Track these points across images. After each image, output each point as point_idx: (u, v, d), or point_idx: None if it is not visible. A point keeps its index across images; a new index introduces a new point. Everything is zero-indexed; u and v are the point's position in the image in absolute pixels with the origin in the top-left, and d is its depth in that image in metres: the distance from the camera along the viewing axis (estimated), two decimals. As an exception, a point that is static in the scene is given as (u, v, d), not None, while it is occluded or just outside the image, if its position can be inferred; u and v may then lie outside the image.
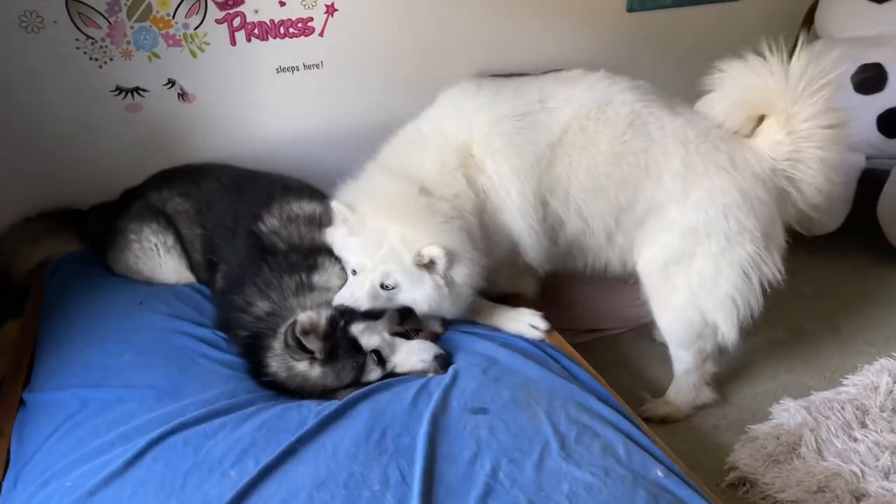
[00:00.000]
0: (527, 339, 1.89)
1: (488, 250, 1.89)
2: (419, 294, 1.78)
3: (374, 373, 1.73)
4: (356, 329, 1.75)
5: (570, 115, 1.93)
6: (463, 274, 1.78)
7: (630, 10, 3.05)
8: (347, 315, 1.76)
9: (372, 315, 1.79)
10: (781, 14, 3.25)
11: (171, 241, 2.21)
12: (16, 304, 2.21)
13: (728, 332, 1.96)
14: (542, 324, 1.92)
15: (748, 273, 1.92)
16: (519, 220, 1.93)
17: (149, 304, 1.99)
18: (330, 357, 1.70)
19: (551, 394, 1.60)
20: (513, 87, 2.06)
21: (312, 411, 1.55)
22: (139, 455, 1.42)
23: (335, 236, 1.88)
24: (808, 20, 3.12)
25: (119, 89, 2.47)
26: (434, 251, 1.72)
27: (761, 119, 1.99)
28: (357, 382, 1.72)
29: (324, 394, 1.71)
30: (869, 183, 2.83)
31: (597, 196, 1.93)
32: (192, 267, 2.22)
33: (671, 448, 1.57)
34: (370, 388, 1.64)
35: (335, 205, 1.81)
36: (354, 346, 1.73)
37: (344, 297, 1.77)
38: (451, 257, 1.74)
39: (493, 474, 1.37)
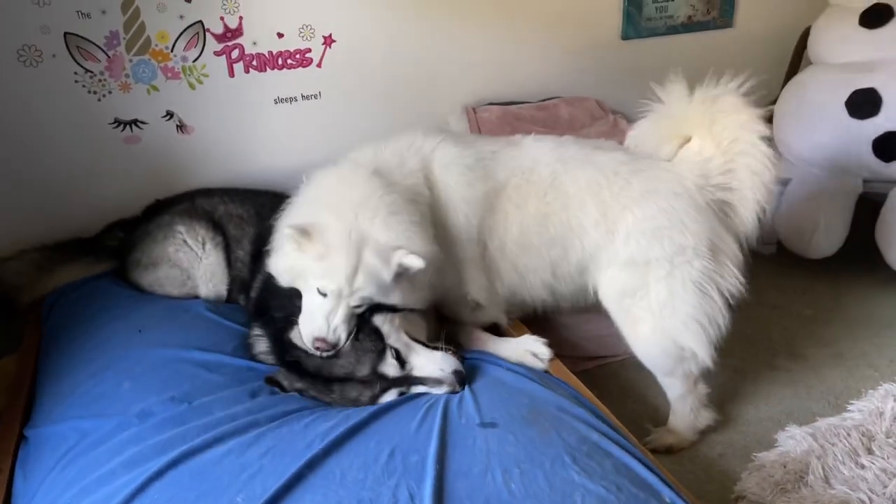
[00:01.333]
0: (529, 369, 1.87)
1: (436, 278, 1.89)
2: (390, 300, 1.76)
3: (391, 367, 1.73)
4: (378, 320, 1.76)
5: (510, 171, 1.98)
6: (429, 271, 1.76)
7: (624, 37, 3.09)
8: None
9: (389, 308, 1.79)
10: (774, 40, 3.29)
11: (219, 238, 2.24)
12: (13, 337, 2.19)
13: (700, 352, 1.95)
14: (544, 352, 1.90)
15: (704, 289, 1.92)
16: (465, 247, 1.95)
17: (149, 332, 1.97)
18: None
19: (560, 413, 1.59)
20: (472, 139, 2.16)
21: (319, 433, 1.53)
22: (144, 486, 1.40)
23: (286, 262, 1.77)
24: (801, 46, 3.15)
25: (118, 122, 2.47)
26: (414, 261, 1.69)
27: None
28: (375, 373, 1.72)
29: (341, 382, 1.72)
30: (866, 207, 2.85)
31: (529, 252, 1.98)
32: (231, 275, 2.24)
33: (677, 477, 1.56)
34: (377, 408, 1.63)
35: (289, 231, 1.70)
36: (376, 332, 1.75)
37: (320, 330, 1.70)
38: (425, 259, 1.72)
39: (506, 485, 1.36)
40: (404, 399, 1.70)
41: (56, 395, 1.79)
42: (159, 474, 1.44)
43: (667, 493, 1.41)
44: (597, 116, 2.88)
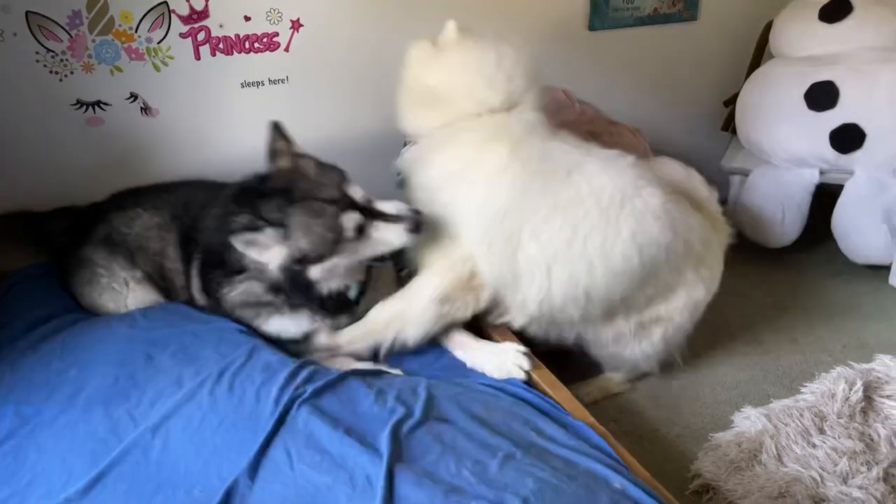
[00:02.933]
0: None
1: None
2: None
3: (357, 191, 1.82)
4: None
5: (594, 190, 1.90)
6: None
7: (591, 28, 3.12)
8: None
9: None
10: (738, 34, 3.35)
11: (138, 271, 2.11)
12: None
13: None
14: (525, 363, 1.87)
15: None
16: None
17: (105, 320, 1.97)
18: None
19: (514, 410, 1.61)
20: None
21: (272, 401, 1.54)
22: (98, 478, 1.39)
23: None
24: (764, 40, 3.21)
25: (80, 103, 2.44)
26: None
27: None
28: (341, 192, 1.79)
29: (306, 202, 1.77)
30: (823, 197, 2.93)
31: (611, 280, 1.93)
32: (166, 286, 2.13)
33: (637, 457, 1.59)
34: (328, 381, 1.64)
35: None
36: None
37: None
38: None
39: (458, 473, 1.38)
40: (357, 377, 1.70)
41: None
42: (113, 464, 1.43)
43: (618, 480, 1.43)
44: (563, 105, 2.90)
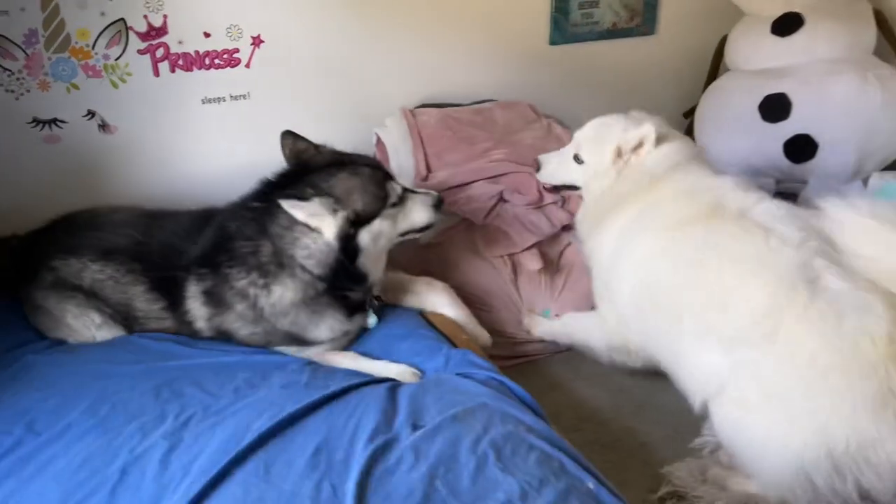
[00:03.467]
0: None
1: None
2: None
3: (396, 187, 1.92)
4: None
5: None
6: None
7: (552, 43, 3.16)
8: None
9: None
10: (694, 48, 3.42)
11: (98, 318, 2.02)
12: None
13: None
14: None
15: None
16: None
17: (76, 350, 1.96)
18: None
19: (489, 409, 1.61)
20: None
21: (247, 429, 1.54)
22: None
23: None
24: (719, 54, 3.29)
25: (36, 121, 2.41)
26: None
27: None
28: (387, 196, 1.88)
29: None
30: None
31: None
32: (131, 318, 2.04)
33: (599, 466, 1.60)
34: (307, 405, 1.63)
35: None
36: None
37: None
38: None
39: (430, 482, 1.38)
40: (337, 395, 1.70)
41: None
42: (93, 493, 1.43)
43: (591, 481, 1.45)
44: (530, 120, 2.93)
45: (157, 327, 2.02)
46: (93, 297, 2.02)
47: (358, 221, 1.83)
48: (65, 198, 2.38)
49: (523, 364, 2.43)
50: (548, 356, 2.50)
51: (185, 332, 2.00)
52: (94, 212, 2.22)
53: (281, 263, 1.86)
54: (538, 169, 2.29)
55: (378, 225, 1.86)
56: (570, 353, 2.49)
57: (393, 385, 1.76)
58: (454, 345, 1.97)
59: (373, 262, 1.92)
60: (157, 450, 1.53)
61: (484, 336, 2.16)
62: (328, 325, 1.92)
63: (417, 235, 2.04)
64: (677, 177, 1.97)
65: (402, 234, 1.98)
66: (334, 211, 1.79)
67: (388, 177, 1.92)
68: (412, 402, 1.66)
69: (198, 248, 1.97)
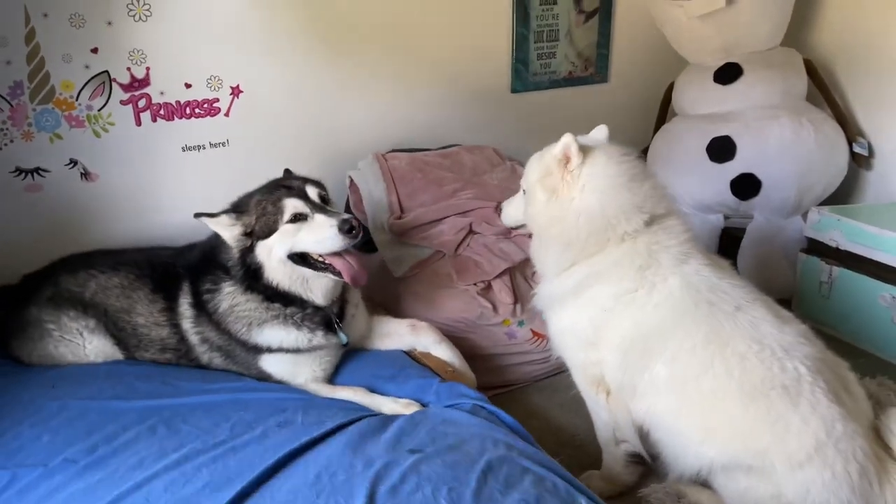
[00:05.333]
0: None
1: None
2: None
3: (291, 205, 1.95)
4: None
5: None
6: None
7: (513, 91, 3.36)
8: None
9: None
10: (644, 94, 3.67)
11: (92, 323, 2.13)
12: None
13: None
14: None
15: None
16: None
17: (62, 387, 1.96)
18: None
19: (482, 437, 1.70)
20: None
21: (251, 464, 1.59)
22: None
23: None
24: (667, 99, 3.54)
25: (18, 170, 2.45)
26: None
27: None
28: (280, 214, 1.94)
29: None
30: (728, 239, 3.22)
31: None
32: (123, 339, 2.16)
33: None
34: (309, 440, 1.70)
35: None
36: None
37: None
38: None
39: (435, 500, 1.46)
40: (336, 428, 1.77)
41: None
42: None
43: (583, 499, 1.55)
44: (495, 163, 3.08)
45: (154, 336, 2.14)
46: (91, 307, 2.14)
47: (258, 235, 1.97)
48: (45, 246, 2.41)
49: (502, 394, 2.53)
50: (525, 385, 2.62)
51: (176, 342, 2.13)
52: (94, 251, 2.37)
53: (227, 271, 2.05)
54: (500, 214, 2.26)
55: (273, 240, 1.95)
56: (544, 383, 2.62)
57: (385, 419, 1.84)
58: (442, 379, 2.07)
59: (288, 278, 1.99)
60: (160, 480, 1.57)
61: (470, 376, 2.26)
62: (274, 334, 2.03)
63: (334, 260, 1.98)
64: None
65: (310, 257, 1.96)
66: (233, 224, 1.99)
67: (296, 195, 1.96)
68: (406, 433, 1.74)
69: (190, 257, 2.19)
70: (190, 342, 2.12)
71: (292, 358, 2.05)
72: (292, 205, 1.94)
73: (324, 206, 1.99)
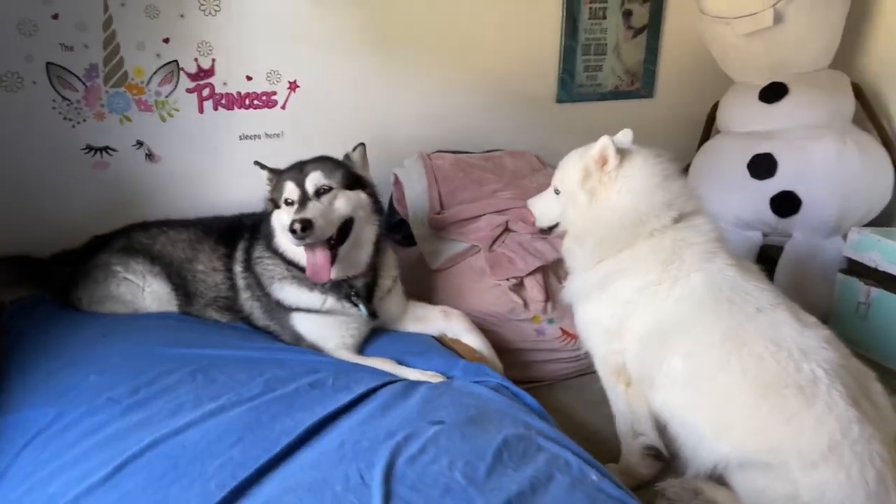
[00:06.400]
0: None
1: None
2: None
3: (287, 188, 2.10)
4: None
5: None
6: None
7: (559, 101, 3.45)
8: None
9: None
10: (689, 111, 3.70)
11: (157, 269, 2.35)
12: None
13: None
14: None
15: None
16: None
17: (112, 336, 2.10)
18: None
19: (501, 413, 1.77)
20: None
21: (285, 429, 1.67)
22: (120, 468, 1.50)
23: None
24: (712, 117, 3.57)
25: (89, 148, 2.63)
26: None
27: None
28: (282, 193, 2.10)
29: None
30: (767, 258, 3.22)
31: None
32: (185, 288, 2.37)
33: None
34: (339, 408, 1.78)
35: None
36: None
37: None
38: None
39: (451, 473, 1.52)
40: (364, 394, 1.85)
41: (22, 386, 1.88)
42: (134, 457, 1.54)
43: (594, 474, 1.61)
44: (536, 168, 3.17)
45: (210, 282, 2.37)
46: (158, 258, 2.37)
47: (275, 203, 2.16)
48: (108, 221, 2.59)
49: (528, 390, 2.57)
50: (552, 383, 2.68)
51: (227, 287, 2.36)
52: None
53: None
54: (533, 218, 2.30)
55: (278, 212, 2.13)
56: (571, 382, 2.67)
57: (409, 385, 1.93)
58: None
59: (290, 249, 2.13)
60: (196, 430, 1.65)
61: (498, 365, 2.33)
62: (291, 291, 2.19)
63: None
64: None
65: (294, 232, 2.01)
66: (268, 185, 2.24)
67: (294, 181, 2.08)
68: (429, 401, 1.82)
69: (257, 215, 2.36)
70: (238, 286, 2.30)
71: (318, 319, 2.17)
72: (289, 189, 2.09)
73: (310, 198, 2.05)
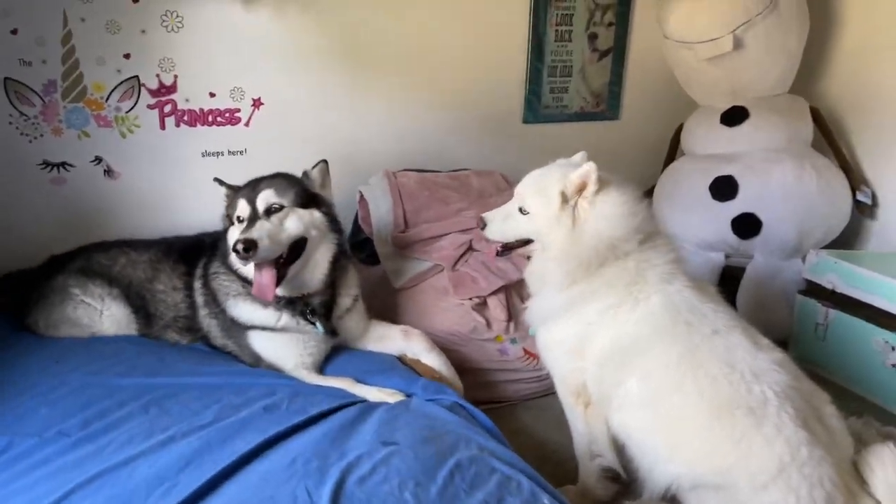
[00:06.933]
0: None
1: None
2: None
3: (238, 206, 2.11)
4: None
5: None
6: None
7: (525, 122, 3.47)
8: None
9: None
10: (654, 133, 3.75)
11: (116, 292, 2.31)
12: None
13: None
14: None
15: None
16: None
17: (66, 363, 2.05)
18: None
19: (456, 435, 1.76)
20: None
21: (234, 450, 1.65)
22: (65, 496, 1.49)
23: None
24: (676, 139, 3.62)
25: (46, 163, 2.59)
26: None
27: None
28: (234, 210, 2.12)
29: None
30: (729, 278, 3.25)
31: None
32: (150, 314, 2.34)
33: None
34: (287, 428, 1.76)
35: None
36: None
37: None
38: None
39: (401, 493, 1.51)
40: (319, 415, 1.84)
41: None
42: (80, 487, 1.52)
43: (546, 497, 1.60)
44: (502, 188, 3.17)
45: (170, 301, 2.32)
46: (117, 280, 2.32)
47: (230, 220, 2.16)
48: (65, 237, 2.56)
49: (490, 410, 2.54)
50: (514, 403, 2.67)
51: (187, 306, 2.32)
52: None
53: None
54: (483, 227, 2.21)
55: (231, 229, 2.13)
56: (533, 402, 2.66)
57: (367, 406, 1.91)
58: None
59: (244, 267, 2.11)
60: (144, 459, 1.64)
61: (458, 385, 2.32)
62: (246, 308, 2.17)
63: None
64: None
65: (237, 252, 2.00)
66: (224, 201, 2.24)
67: (246, 199, 2.08)
68: (384, 423, 1.81)
69: (217, 233, 2.33)
70: (196, 303, 2.27)
71: (274, 337, 2.14)
72: (241, 206, 2.09)
73: (260, 217, 2.04)
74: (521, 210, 2.13)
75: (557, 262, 2.04)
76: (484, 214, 2.22)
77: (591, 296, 1.97)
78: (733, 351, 1.84)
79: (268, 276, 2.01)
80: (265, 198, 2.07)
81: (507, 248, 2.23)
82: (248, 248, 1.92)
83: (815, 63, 3.47)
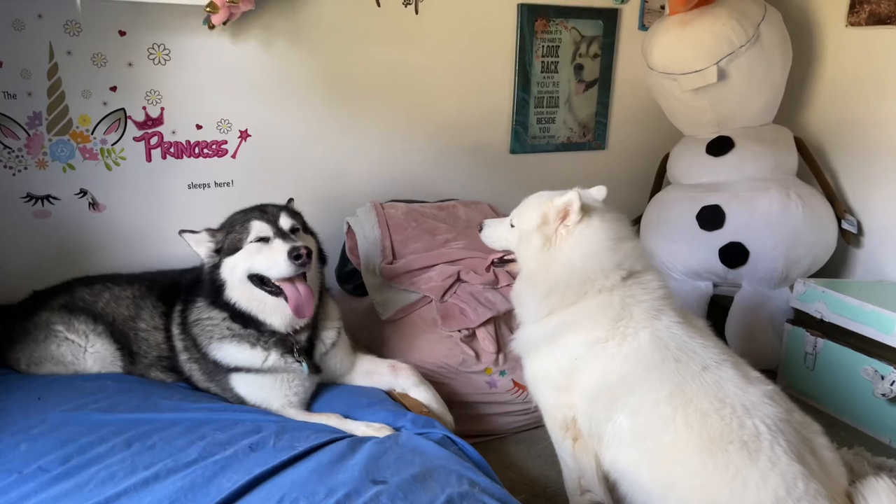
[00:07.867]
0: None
1: None
2: None
3: (256, 227, 2.05)
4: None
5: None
6: None
7: (512, 152, 3.48)
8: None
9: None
10: (641, 163, 3.78)
11: (100, 328, 2.26)
12: None
13: None
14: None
15: None
16: None
17: (48, 399, 2.01)
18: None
19: (446, 470, 1.73)
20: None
21: (218, 488, 1.62)
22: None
23: None
24: (662, 168, 3.64)
25: (30, 196, 2.56)
26: None
27: None
28: (247, 234, 2.05)
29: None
30: (717, 307, 3.26)
31: None
32: (133, 353, 2.28)
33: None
34: (274, 466, 1.73)
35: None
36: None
37: None
38: None
39: None
40: (307, 451, 1.80)
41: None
42: None
43: None
44: (489, 218, 3.18)
45: (151, 341, 2.27)
46: (101, 317, 2.27)
47: (225, 252, 2.08)
48: (49, 270, 2.52)
49: (480, 444, 2.53)
50: (503, 436, 2.64)
51: (168, 348, 2.26)
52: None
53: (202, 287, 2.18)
54: (480, 230, 2.30)
55: (237, 258, 2.05)
56: (523, 435, 2.64)
57: (355, 442, 1.88)
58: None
59: (246, 298, 2.07)
60: (127, 498, 1.60)
61: (448, 419, 2.29)
62: (230, 349, 2.10)
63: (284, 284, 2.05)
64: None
65: (267, 280, 2.03)
66: (209, 241, 2.12)
67: (265, 219, 2.06)
68: (373, 458, 1.78)
69: (195, 272, 2.27)
70: (176, 348, 2.22)
71: (257, 380, 2.10)
72: (258, 227, 2.04)
73: (289, 234, 2.06)
74: (511, 224, 2.17)
75: (527, 284, 2.07)
76: (485, 220, 2.32)
77: (573, 327, 1.96)
78: (724, 385, 1.82)
79: (305, 290, 2.02)
80: (286, 218, 2.09)
81: (499, 261, 2.31)
82: (300, 253, 1.94)
83: (799, 94, 3.52)
